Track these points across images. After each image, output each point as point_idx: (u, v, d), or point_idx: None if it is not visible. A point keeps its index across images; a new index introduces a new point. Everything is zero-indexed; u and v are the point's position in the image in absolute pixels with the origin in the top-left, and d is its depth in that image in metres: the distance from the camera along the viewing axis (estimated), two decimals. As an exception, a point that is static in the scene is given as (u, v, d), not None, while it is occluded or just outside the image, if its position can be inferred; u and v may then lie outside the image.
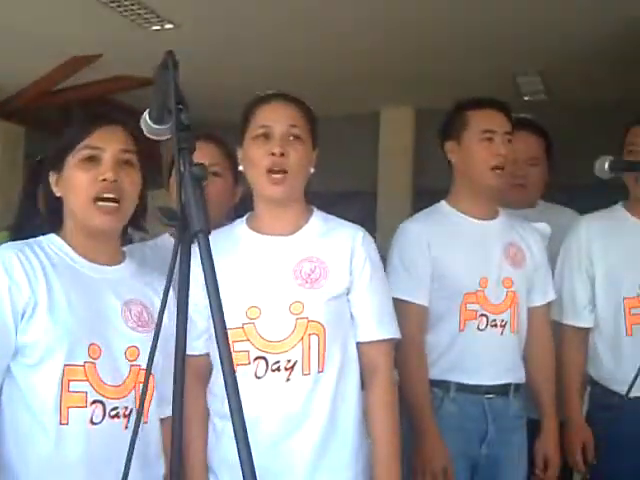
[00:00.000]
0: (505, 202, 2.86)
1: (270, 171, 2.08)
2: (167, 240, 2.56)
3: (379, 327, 2.15)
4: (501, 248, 2.62)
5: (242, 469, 1.19)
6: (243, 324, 2.03)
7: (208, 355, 2.11)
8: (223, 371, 1.26)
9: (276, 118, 2.11)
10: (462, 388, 2.56)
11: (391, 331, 2.17)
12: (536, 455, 2.65)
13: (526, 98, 7.04)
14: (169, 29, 5.54)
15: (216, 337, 1.28)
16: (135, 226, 2.03)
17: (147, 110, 1.57)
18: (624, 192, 2.84)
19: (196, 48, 5.36)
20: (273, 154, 2.07)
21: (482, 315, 2.57)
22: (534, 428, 2.68)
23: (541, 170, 3.18)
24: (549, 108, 6.60)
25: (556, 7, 5.06)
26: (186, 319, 1.41)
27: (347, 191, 7.50)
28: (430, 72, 6.41)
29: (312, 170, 2.17)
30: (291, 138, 2.10)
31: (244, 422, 1.22)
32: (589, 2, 5.00)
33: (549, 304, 2.76)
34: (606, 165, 2.32)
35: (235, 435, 1.21)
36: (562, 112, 6.69)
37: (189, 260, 1.38)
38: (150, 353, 1.44)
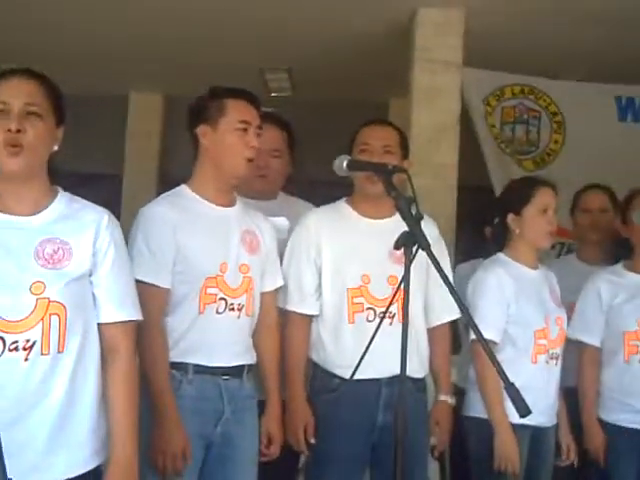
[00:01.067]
0: (248, 192, 2.98)
1: (6, 146, 2.07)
2: None
3: (120, 308, 2.18)
4: (239, 235, 2.74)
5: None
6: None
7: None
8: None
9: (14, 94, 2.10)
10: (200, 370, 2.63)
11: (132, 313, 2.21)
12: (262, 433, 2.78)
13: (273, 94, 7.25)
14: None
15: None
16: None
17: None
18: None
19: None
20: (9, 130, 2.06)
21: (221, 299, 2.66)
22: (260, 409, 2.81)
23: (283, 162, 3.29)
24: (295, 105, 6.87)
25: (303, 6, 5.28)
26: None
27: (94, 173, 7.42)
28: (180, 60, 6.45)
29: (55, 148, 2.16)
30: (28, 114, 2.09)
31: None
32: (337, 2, 5.27)
33: (277, 290, 2.91)
34: (344, 164, 2.50)
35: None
36: (307, 109, 6.98)
37: None
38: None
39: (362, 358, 2.38)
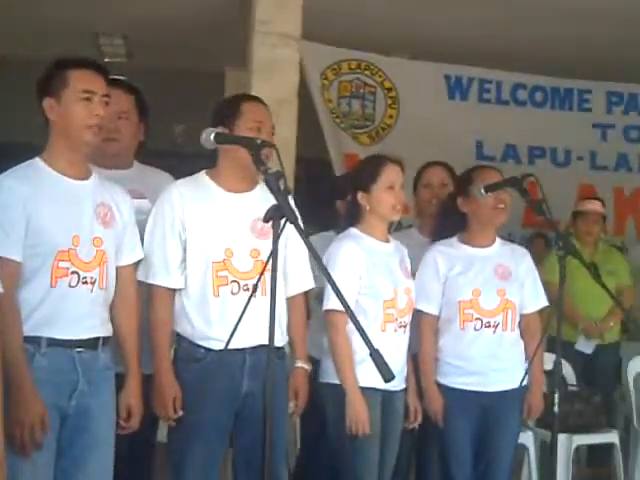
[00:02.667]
0: (100, 161, 2.93)
1: None
2: None
3: None
4: (92, 208, 2.72)
5: None
6: None
7: None
8: None
9: None
10: (53, 343, 2.61)
11: None
12: (121, 406, 2.79)
13: (107, 60, 7.08)
14: None
15: None
16: None
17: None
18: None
19: None
20: None
21: (74, 272, 2.64)
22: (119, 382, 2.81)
23: (132, 125, 3.25)
24: (129, 72, 6.72)
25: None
26: None
27: None
28: (16, 21, 6.18)
29: None
30: None
31: None
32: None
33: (135, 264, 2.90)
34: (212, 137, 2.51)
35: None
36: (142, 76, 6.85)
37: None
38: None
39: (234, 331, 2.43)
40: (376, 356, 2.20)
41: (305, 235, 2.32)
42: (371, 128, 6.37)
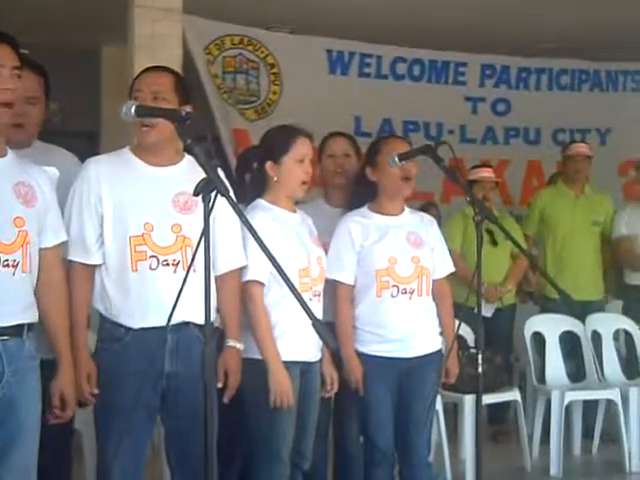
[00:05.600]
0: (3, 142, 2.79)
1: None
2: None
3: None
4: (11, 186, 2.59)
5: None
6: None
7: None
8: None
9: None
10: None
11: None
12: (54, 394, 2.69)
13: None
14: None
15: None
16: None
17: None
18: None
19: None
20: None
21: None
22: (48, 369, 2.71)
23: (39, 109, 3.13)
24: None
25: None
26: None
27: None
28: None
29: None
30: None
31: None
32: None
33: (60, 245, 2.78)
34: (132, 110, 2.43)
35: None
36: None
37: None
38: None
39: (174, 308, 2.37)
40: (318, 325, 2.20)
41: (238, 209, 2.29)
42: (257, 104, 6.35)
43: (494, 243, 5.21)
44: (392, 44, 6.73)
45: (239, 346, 3.05)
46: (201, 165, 2.32)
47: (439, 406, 4.45)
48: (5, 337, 2.53)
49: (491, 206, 5.50)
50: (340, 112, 6.47)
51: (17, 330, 2.57)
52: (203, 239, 2.28)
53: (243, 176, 3.64)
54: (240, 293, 3.10)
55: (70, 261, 2.87)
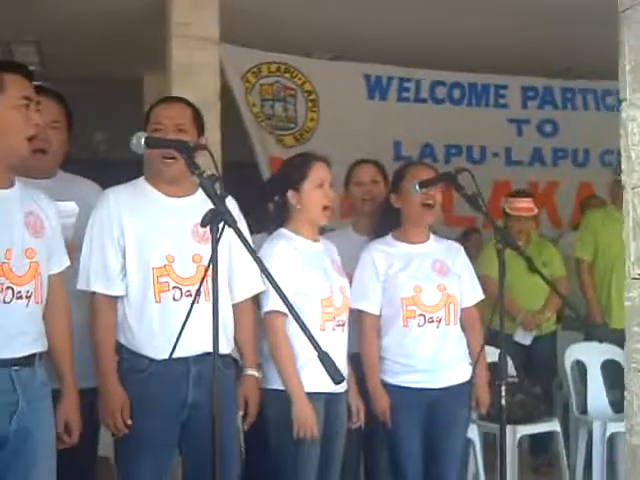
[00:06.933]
0: (25, 170, 2.81)
1: None
2: None
3: None
4: (22, 218, 2.59)
5: None
6: None
7: None
8: None
9: None
10: None
11: None
12: (58, 420, 2.66)
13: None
14: None
15: None
16: None
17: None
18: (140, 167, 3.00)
19: None
20: None
21: (8, 288, 2.50)
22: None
23: (62, 135, 3.15)
24: (45, 80, 6.54)
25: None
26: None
27: None
28: None
29: None
30: None
31: None
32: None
33: (63, 272, 2.77)
34: (142, 141, 2.44)
35: None
36: (59, 85, 6.67)
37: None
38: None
39: (178, 338, 2.35)
40: (324, 357, 2.16)
41: (245, 238, 2.26)
42: (295, 130, 6.33)
43: (532, 270, 5.09)
44: (431, 68, 6.68)
45: (257, 374, 3.03)
46: (208, 195, 2.30)
47: (476, 437, 4.35)
48: (17, 367, 2.53)
49: (528, 237, 5.40)
50: (379, 137, 6.43)
51: (29, 360, 2.57)
52: (211, 268, 2.27)
53: (265, 206, 3.62)
54: (259, 322, 3.08)
55: (94, 292, 2.88)
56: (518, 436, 4.46)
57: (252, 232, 3.69)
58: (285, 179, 3.29)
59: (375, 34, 6.15)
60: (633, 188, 2.14)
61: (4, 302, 2.51)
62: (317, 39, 6.28)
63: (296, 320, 2.22)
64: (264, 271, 2.28)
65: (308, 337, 2.18)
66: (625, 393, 2.07)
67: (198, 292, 2.57)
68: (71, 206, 2.93)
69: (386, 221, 3.54)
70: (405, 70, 6.67)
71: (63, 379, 2.72)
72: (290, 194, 3.22)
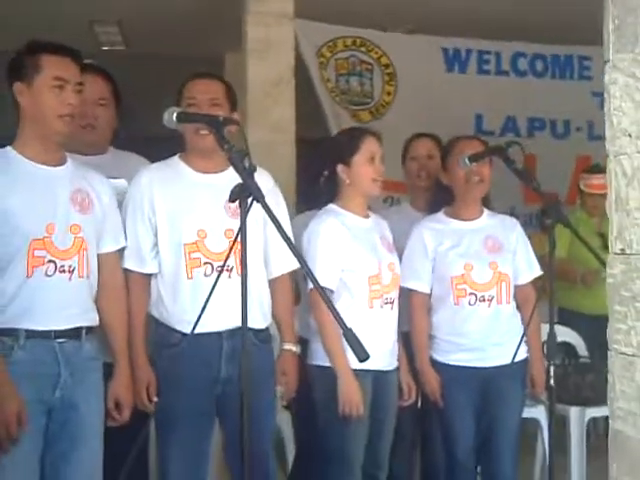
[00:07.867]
0: (76, 147, 2.88)
1: None
2: None
3: None
4: (68, 194, 2.66)
5: None
6: None
7: None
8: None
9: None
10: (32, 335, 2.56)
11: None
12: (109, 397, 2.75)
13: (104, 48, 7.03)
14: None
15: None
16: None
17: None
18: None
19: None
20: None
21: (50, 261, 2.59)
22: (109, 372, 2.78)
23: (110, 111, 3.22)
24: (128, 59, 6.69)
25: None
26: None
27: None
28: (2, 11, 6.13)
29: None
30: None
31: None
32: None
33: (120, 251, 2.85)
34: (174, 116, 2.47)
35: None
36: (141, 64, 6.81)
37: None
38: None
39: (202, 313, 2.36)
40: (348, 334, 2.14)
41: (272, 213, 2.25)
42: (371, 105, 6.26)
43: (606, 247, 4.90)
44: (510, 40, 6.49)
45: (295, 349, 3.03)
46: (236, 170, 2.31)
47: (542, 418, 4.24)
48: (62, 339, 2.61)
49: (602, 211, 5.18)
50: (460, 111, 6.28)
51: (74, 332, 2.65)
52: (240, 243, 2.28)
53: (316, 182, 3.61)
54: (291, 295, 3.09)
55: (126, 270, 2.91)
56: (587, 418, 4.33)
57: (302, 210, 3.72)
58: (336, 154, 3.26)
59: (451, 7, 6.01)
60: (615, 156, 1.99)
61: (46, 275, 2.59)
62: (392, 13, 6.18)
63: (320, 295, 2.21)
64: (292, 250, 2.27)
65: (333, 314, 2.16)
66: (608, 376, 1.96)
67: (223, 266, 2.58)
68: (121, 183, 3.00)
69: (439, 197, 3.48)
70: (484, 42, 6.50)
71: (117, 356, 2.80)
72: (340, 168, 3.20)
